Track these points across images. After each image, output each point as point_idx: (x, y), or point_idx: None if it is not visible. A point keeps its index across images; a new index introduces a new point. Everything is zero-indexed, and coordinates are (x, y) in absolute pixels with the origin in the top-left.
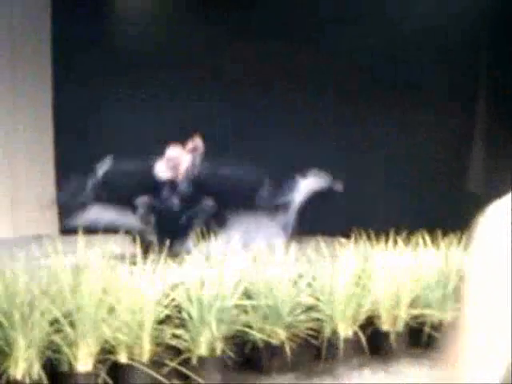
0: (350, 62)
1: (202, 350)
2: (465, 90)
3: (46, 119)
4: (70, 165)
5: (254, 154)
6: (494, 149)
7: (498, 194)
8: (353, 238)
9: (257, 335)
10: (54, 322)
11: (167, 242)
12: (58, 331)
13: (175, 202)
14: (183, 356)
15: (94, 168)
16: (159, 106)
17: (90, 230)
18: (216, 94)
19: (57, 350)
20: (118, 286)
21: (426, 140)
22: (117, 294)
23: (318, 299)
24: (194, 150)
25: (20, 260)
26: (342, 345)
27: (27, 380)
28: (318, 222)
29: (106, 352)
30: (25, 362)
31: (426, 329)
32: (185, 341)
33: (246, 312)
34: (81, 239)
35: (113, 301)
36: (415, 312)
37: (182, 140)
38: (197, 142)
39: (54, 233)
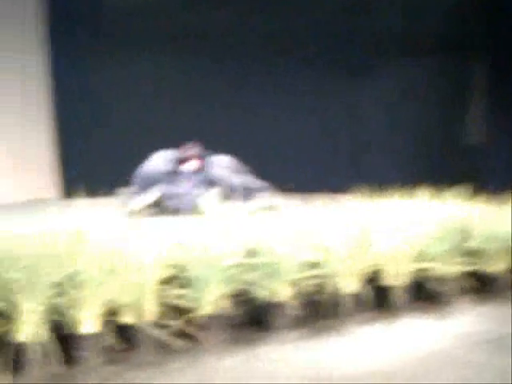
0: (350, 10)
1: (207, 308)
2: (465, 41)
3: (46, 82)
4: (72, 128)
5: None
6: (497, 102)
7: (500, 147)
8: (356, 194)
9: (261, 293)
10: (58, 285)
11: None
12: (62, 294)
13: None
14: (188, 315)
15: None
16: (157, 71)
17: (94, 193)
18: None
19: (61, 312)
20: (120, 247)
21: (428, 93)
22: (120, 255)
23: (321, 255)
24: None
25: (22, 224)
26: (346, 301)
27: (35, 343)
28: (322, 179)
29: (111, 313)
30: (30, 325)
31: (431, 282)
32: (189, 300)
33: (249, 270)
34: (84, 202)
35: (115, 262)
36: (419, 266)
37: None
38: None
39: (56, 196)
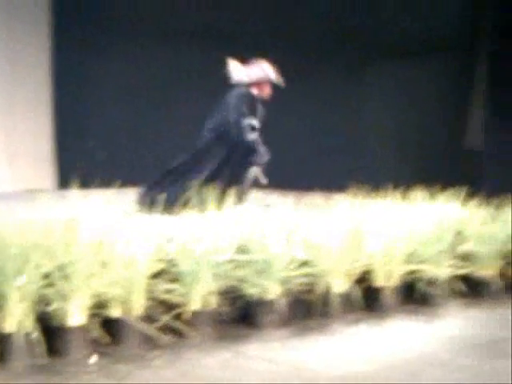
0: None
1: (196, 304)
2: (465, 45)
3: (44, 74)
4: (68, 119)
5: None
6: (493, 106)
7: (495, 151)
8: (349, 193)
9: (251, 290)
10: (47, 275)
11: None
12: (51, 285)
13: None
14: (176, 311)
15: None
16: (156, 62)
17: (87, 184)
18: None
19: (50, 303)
20: (111, 240)
21: (425, 96)
22: (110, 248)
23: (312, 254)
24: None
25: (14, 213)
26: (336, 300)
27: (20, 333)
28: (315, 177)
29: (98, 306)
30: (18, 315)
31: (421, 284)
32: (178, 295)
33: (240, 267)
34: (76, 193)
35: (106, 255)
36: (410, 267)
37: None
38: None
39: (51, 187)
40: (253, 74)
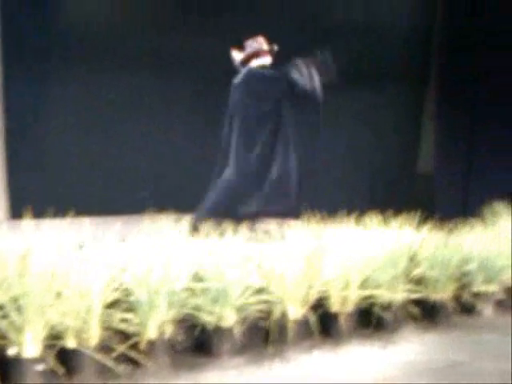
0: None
1: (151, 333)
2: (414, 71)
3: None
4: (20, 149)
5: None
6: (444, 131)
7: (447, 176)
8: (303, 219)
9: (206, 318)
10: (0, 307)
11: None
12: (5, 317)
13: None
14: (132, 340)
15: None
16: (110, 84)
17: (40, 215)
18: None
19: (3, 335)
20: (65, 270)
21: (377, 122)
22: (64, 279)
23: (267, 281)
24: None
25: None
26: (292, 327)
27: None
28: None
29: (53, 337)
30: None
31: (376, 310)
32: (134, 324)
33: (195, 295)
34: (29, 224)
35: (60, 285)
36: (365, 293)
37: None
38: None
39: (2, 218)
40: (251, 47)
